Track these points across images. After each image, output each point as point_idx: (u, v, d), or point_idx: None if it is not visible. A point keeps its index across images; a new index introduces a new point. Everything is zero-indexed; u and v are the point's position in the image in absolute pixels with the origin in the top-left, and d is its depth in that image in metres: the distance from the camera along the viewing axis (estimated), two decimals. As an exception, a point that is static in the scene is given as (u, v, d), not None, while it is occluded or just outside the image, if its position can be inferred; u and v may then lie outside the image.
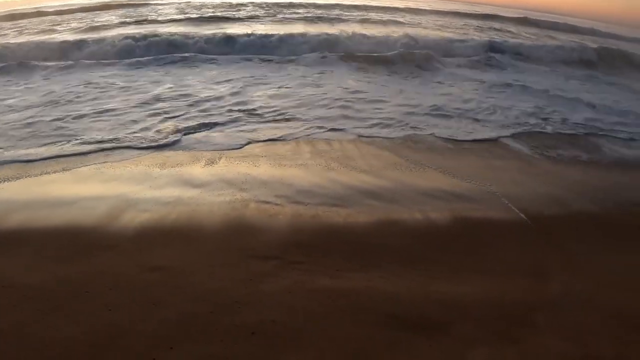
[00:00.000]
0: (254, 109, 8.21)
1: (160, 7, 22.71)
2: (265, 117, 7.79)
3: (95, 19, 18.56)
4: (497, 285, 3.71)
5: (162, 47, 12.76)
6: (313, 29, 16.73)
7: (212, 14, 19.97)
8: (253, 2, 24.59)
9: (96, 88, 9.32)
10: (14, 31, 15.92)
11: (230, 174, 5.41)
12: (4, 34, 15.26)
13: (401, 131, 7.51)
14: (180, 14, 20.32)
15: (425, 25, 22.60)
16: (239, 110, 8.08)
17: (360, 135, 7.16)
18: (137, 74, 10.66)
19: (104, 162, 5.69)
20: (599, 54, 16.37)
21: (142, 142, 6.43)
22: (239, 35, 14.24)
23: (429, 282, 3.66)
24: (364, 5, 27.55)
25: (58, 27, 16.53)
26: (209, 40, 13.44)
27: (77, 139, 6.50)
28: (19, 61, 10.90)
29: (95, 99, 8.58)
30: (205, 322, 3.06)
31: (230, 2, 24.35)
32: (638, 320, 3.41)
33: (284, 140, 6.79)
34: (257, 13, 21.39)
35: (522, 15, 31.85)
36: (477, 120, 8.51)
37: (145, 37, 13.31)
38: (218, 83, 10.08)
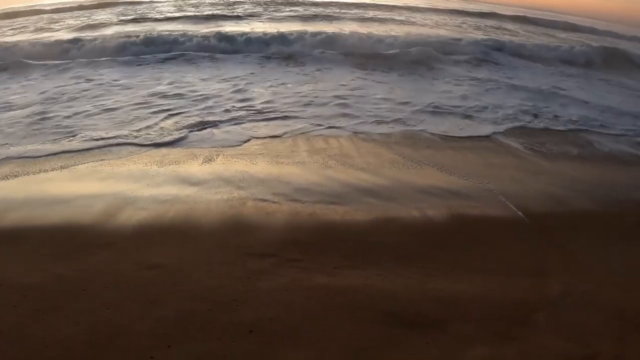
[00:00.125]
0: (253, 107, 8.21)
1: (157, 4, 22.64)
2: (264, 115, 7.78)
3: (93, 17, 18.52)
4: (496, 283, 3.71)
5: (161, 45, 12.72)
6: (312, 28, 16.68)
7: (210, 12, 19.93)
8: (251, 0, 24.54)
9: (96, 86, 9.28)
10: (12, 29, 15.87)
11: (228, 172, 5.41)
12: (2, 33, 15.20)
13: (398, 128, 7.52)
14: (178, 11, 20.28)
15: (423, 23, 22.62)
16: (239, 108, 8.07)
17: (357, 133, 7.16)
18: (136, 72, 10.63)
19: (104, 160, 5.68)
20: (598, 53, 16.34)
21: (143, 140, 6.42)
22: (237, 33, 14.20)
23: (427, 279, 3.67)
24: (362, 3, 27.51)
25: (56, 26, 16.48)
26: (208, 38, 13.39)
27: (78, 136, 6.48)
28: (17, 60, 10.85)
29: (95, 97, 8.55)
30: (203, 320, 3.06)
31: (227, 0, 24.31)
32: (637, 319, 3.41)
33: (282, 137, 6.78)
34: (255, 11, 21.36)
35: (520, 14, 31.86)
36: (473, 117, 8.53)
37: (144, 35, 13.27)
38: (217, 81, 10.05)
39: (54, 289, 3.30)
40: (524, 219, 4.79)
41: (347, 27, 18.09)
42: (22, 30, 15.69)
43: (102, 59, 11.51)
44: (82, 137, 6.48)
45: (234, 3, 23.69)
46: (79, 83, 9.56)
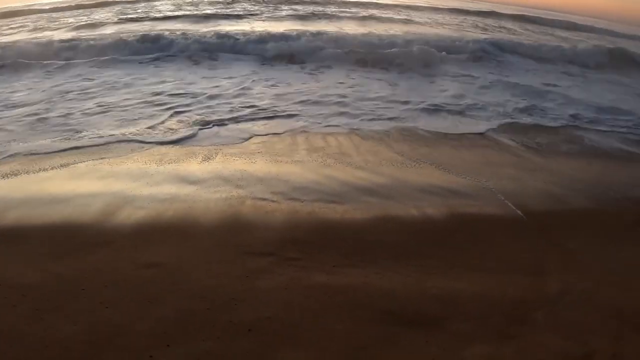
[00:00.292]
0: (254, 105, 8.23)
1: (156, 3, 22.62)
2: (265, 113, 7.80)
3: (92, 16, 18.49)
4: (495, 282, 3.72)
5: (162, 43, 12.70)
6: (312, 27, 16.70)
7: (209, 11, 19.91)
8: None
9: (98, 85, 9.29)
10: (10, 29, 15.85)
11: (227, 171, 5.41)
12: (1, 32, 15.18)
13: (397, 127, 7.54)
14: (178, 10, 20.27)
15: (422, 22, 22.60)
16: (240, 107, 8.09)
17: (356, 131, 7.18)
18: (137, 71, 10.63)
19: (105, 158, 5.68)
20: (597, 52, 16.33)
21: (144, 138, 6.43)
22: (237, 32, 14.21)
23: (426, 278, 3.68)
24: (361, 1, 27.49)
25: (56, 25, 16.46)
26: (209, 37, 13.39)
27: (80, 134, 6.50)
28: (17, 59, 10.83)
29: (97, 95, 8.56)
30: (202, 319, 3.07)
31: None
32: (636, 317, 3.41)
33: (282, 136, 6.79)
34: (254, 10, 21.35)
35: (520, 13, 31.83)
36: (471, 115, 8.56)
37: (144, 34, 13.26)
38: (218, 80, 10.07)
39: (53, 288, 3.30)
40: (522, 218, 4.80)
41: (346, 26, 18.11)
42: (22, 29, 15.67)
43: (102, 57, 11.49)
44: (84, 134, 6.50)
45: (233, 1, 23.65)
46: (80, 82, 9.55)
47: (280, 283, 3.47)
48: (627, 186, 5.90)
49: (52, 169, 5.37)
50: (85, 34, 14.14)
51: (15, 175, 5.18)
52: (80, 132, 6.61)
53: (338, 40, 13.92)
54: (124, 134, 6.53)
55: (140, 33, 13.47)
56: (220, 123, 7.21)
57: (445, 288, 3.56)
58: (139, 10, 20.18)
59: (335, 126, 7.38)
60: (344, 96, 9.18)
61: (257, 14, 20.23)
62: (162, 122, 7.15)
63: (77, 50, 11.90)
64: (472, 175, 5.74)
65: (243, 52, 12.72)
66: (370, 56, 12.86)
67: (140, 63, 11.40)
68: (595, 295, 3.64)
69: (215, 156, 5.86)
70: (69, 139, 6.35)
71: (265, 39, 13.42)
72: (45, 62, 10.91)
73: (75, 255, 3.70)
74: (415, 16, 24.55)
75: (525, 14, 31.69)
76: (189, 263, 3.66)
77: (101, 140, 6.30)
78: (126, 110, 7.70)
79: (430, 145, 6.84)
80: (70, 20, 17.62)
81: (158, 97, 8.51)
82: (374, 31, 16.96)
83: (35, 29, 15.57)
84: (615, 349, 3.07)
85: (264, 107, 8.17)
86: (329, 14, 21.59)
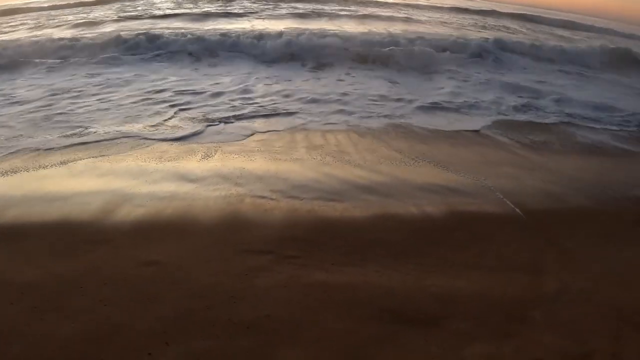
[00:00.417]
0: (255, 103, 8.27)
1: (155, 0, 22.59)
2: (265, 111, 7.83)
3: (92, 14, 18.47)
4: (494, 280, 3.72)
5: (162, 42, 12.69)
6: (312, 25, 16.70)
7: (209, 10, 19.88)
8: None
9: (99, 83, 9.30)
10: (11, 27, 15.82)
11: (227, 168, 5.40)
12: (1, 31, 15.15)
13: (396, 125, 7.56)
14: (177, 8, 20.24)
15: (422, 20, 22.58)
16: (242, 105, 8.12)
17: (355, 130, 7.19)
18: (138, 69, 10.61)
19: (105, 156, 5.67)
20: (596, 51, 16.32)
21: (145, 135, 6.44)
22: (238, 31, 14.20)
23: (425, 276, 3.67)
24: (361, 0, 27.46)
25: (56, 23, 16.44)
26: (209, 35, 13.37)
27: (85, 131, 6.52)
28: (18, 57, 10.80)
29: (99, 93, 8.58)
30: (201, 318, 3.06)
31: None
32: (634, 316, 3.41)
33: (282, 133, 6.80)
34: (254, 8, 21.32)
35: (520, 12, 31.81)
36: (469, 113, 8.63)
37: (145, 32, 13.24)
38: (220, 78, 10.10)
39: (52, 286, 3.30)
40: (521, 216, 4.80)
41: (346, 25, 18.12)
42: (22, 27, 15.64)
43: (102, 56, 11.46)
44: (88, 132, 6.51)
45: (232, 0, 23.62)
46: (82, 79, 9.56)
47: (279, 281, 3.47)
48: (626, 185, 5.90)
49: (53, 166, 5.37)
50: (85, 31, 14.12)
51: (15, 172, 5.17)
52: (84, 129, 6.61)
53: (338, 38, 13.91)
54: (127, 132, 6.54)
55: (141, 31, 13.45)
56: (223, 121, 7.23)
57: (445, 286, 3.56)
58: (139, 8, 20.17)
59: (335, 124, 7.38)
60: (343, 94, 9.20)
61: (257, 12, 20.22)
62: (167, 120, 7.17)
63: (78, 48, 11.87)
64: (470, 173, 5.74)
65: (244, 51, 12.70)
66: (370, 54, 12.89)
67: (141, 61, 11.40)
68: (594, 294, 3.64)
69: (215, 154, 5.86)
70: (72, 135, 6.35)
71: (265, 37, 13.41)
72: (45, 60, 10.88)
73: (74, 254, 3.69)
74: (415, 14, 24.56)
75: (525, 12, 31.65)
76: (188, 261, 3.66)
77: (106, 137, 6.31)
78: (129, 107, 7.71)
79: (429, 143, 6.84)
80: (70, 17, 17.60)
81: (160, 94, 8.52)
82: (374, 29, 16.98)
83: (35, 27, 15.54)
84: (615, 349, 3.08)
85: (265, 105, 8.18)
86: (328, 13, 21.57)
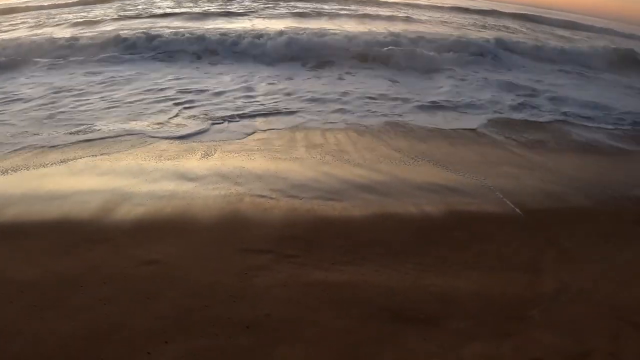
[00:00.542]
0: (255, 102, 8.30)
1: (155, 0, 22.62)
2: (266, 110, 7.85)
3: (92, 13, 18.45)
4: (493, 280, 3.72)
5: (163, 41, 12.67)
6: (312, 25, 16.69)
7: (210, 10, 19.87)
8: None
9: (102, 81, 9.34)
10: (11, 26, 15.81)
11: (226, 167, 5.40)
12: (2, 30, 15.13)
13: (395, 124, 7.58)
14: (178, 7, 20.23)
15: (423, 20, 22.57)
16: (242, 104, 8.14)
17: (355, 128, 7.21)
18: (140, 68, 10.63)
19: (104, 154, 5.67)
20: (600, 52, 16.31)
21: (146, 133, 6.48)
22: (238, 30, 14.21)
23: (424, 275, 3.68)
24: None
25: (56, 22, 16.42)
26: (210, 35, 13.35)
27: (89, 130, 6.56)
28: (17, 57, 10.79)
29: (102, 91, 8.62)
30: (200, 316, 3.07)
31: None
32: (633, 315, 3.42)
33: (282, 132, 6.81)
34: (254, 7, 21.33)
35: (521, 12, 31.79)
36: (468, 112, 8.67)
37: (146, 31, 13.25)
38: (221, 77, 10.15)
39: (51, 284, 3.30)
40: (520, 216, 4.80)
41: (346, 24, 18.12)
42: (22, 26, 15.62)
43: (103, 55, 11.47)
44: (92, 130, 6.56)
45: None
46: (84, 78, 9.60)
47: (278, 280, 3.48)
48: (625, 185, 5.90)
49: (56, 164, 5.37)
50: (85, 30, 14.12)
51: (16, 170, 5.16)
52: (87, 127, 6.65)
53: (338, 38, 13.91)
54: (132, 129, 6.59)
55: (141, 30, 13.46)
56: (227, 119, 7.26)
57: (444, 286, 3.57)
58: (139, 7, 20.15)
59: (334, 123, 7.40)
60: (343, 93, 9.23)
61: (257, 11, 20.20)
62: (171, 118, 7.23)
63: (78, 47, 11.85)
64: (469, 172, 5.75)
65: (244, 50, 12.69)
66: (370, 54, 12.90)
67: (141, 60, 11.42)
68: (593, 294, 3.65)
69: (215, 152, 5.86)
70: (76, 133, 6.39)
71: (266, 36, 13.39)
72: (46, 59, 10.88)
73: (73, 252, 3.70)
74: (415, 14, 24.53)
75: (525, 12, 31.64)
76: (188, 260, 3.66)
77: (109, 134, 6.36)
78: (132, 105, 7.76)
79: (428, 142, 6.86)
80: (70, 16, 17.59)
81: (162, 93, 8.58)
82: (374, 29, 16.97)
83: (35, 26, 15.52)
84: (614, 348, 3.08)
85: (266, 104, 8.21)
86: (329, 12, 21.55)
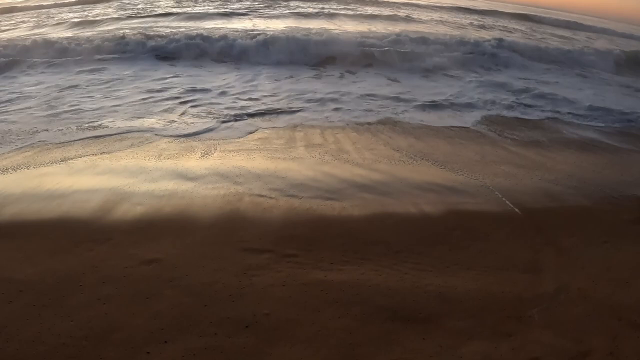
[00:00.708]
0: (256, 100, 8.40)
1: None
2: (266, 110, 7.88)
3: (93, 12, 18.46)
4: (492, 279, 3.72)
5: (164, 41, 12.65)
6: (313, 25, 16.73)
7: (210, 9, 19.89)
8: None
9: (104, 81, 9.37)
10: (12, 25, 15.80)
11: (225, 167, 5.40)
12: (2, 30, 15.13)
13: (394, 124, 7.62)
14: (178, 7, 20.25)
15: (423, 20, 22.58)
16: (243, 103, 8.19)
17: (354, 127, 7.23)
18: (142, 68, 10.67)
19: (104, 153, 5.67)
20: (600, 53, 16.33)
21: (160, 131, 6.53)
22: (239, 30, 14.27)
23: (423, 275, 3.68)
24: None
25: (56, 21, 16.40)
26: (212, 35, 13.35)
27: (94, 128, 6.60)
28: (19, 56, 10.78)
29: (105, 90, 8.66)
30: (199, 316, 3.07)
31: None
32: (632, 315, 3.42)
33: (282, 132, 6.82)
34: (255, 7, 21.36)
35: (522, 12, 31.81)
36: (468, 112, 8.72)
37: (146, 31, 13.27)
38: (222, 77, 10.19)
39: (50, 284, 3.30)
40: (519, 215, 4.80)
41: (347, 25, 18.15)
42: (23, 26, 15.61)
43: (104, 55, 11.47)
44: (96, 128, 6.59)
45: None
46: (87, 77, 9.65)
47: (277, 280, 3.48)
48: (624, 184, 5.90)
49: (62, 162, 5.38)
50: (87, 30, 14.14)
51: (15, 169, 5.16)
52: (93, 125, 6.68)
53: (339, 38, 13.94)
54: (138, 127, 6.64)
55: (142, 29, 13.48)
56: (228, 118, 7.29)
57: (443, 285, 3.57)
58: (139, 6, 20.16)
59: (334, 122, 7.43)
60: (343, 93, 9.27)
61: (258, 11, 20.22)
62: (177, 117, 7.28)
63: (79, 46, 11.81)
64: (468, 171, 5.76)
65: (246, 49, 12.68)
66: (370, 54, 12.92)
67: (145, 59, 11.43)
68: (592, 293, 3.65)
69: (214, 151, 5.86)
70: (81, 132, 6.42)
71: (267, 36, 13.39)
72: (48, 59, 10.87)
73: (73, 251, 3.69)
74: (415, 14, 24.55)
75: (526, 12, 31.66)
76: (187, 259, 3.66)
77: (115, 132, 6.41)
78: (136, 104, 7.80)
79: (428, 141, 6.87)
80: (71, 15, 17.59)
81: (166, 92, 8.64)
82: (374, 29, 17.00)
83: (37, 26, 15.51)
84: (612, 348, 3.08)
85: (267, 103, 8.25)
86: (329, 12, 21.57)
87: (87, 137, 6.19)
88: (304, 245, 3.93)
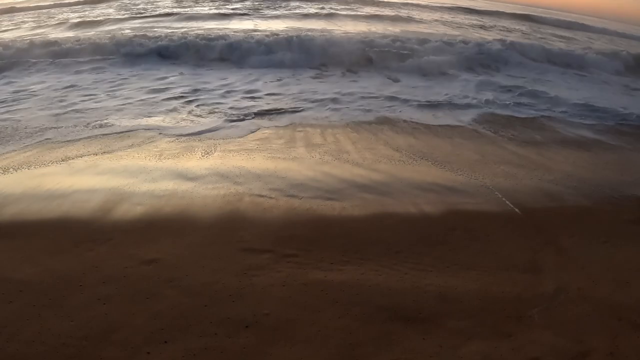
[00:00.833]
0: (259, 99, 8.48)
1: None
2: (267, 109, 7.92)
3: (93, 13, 18.47)
4: (492, 279, 3.72)
5: (167, 41, 12.66)
6: (314, 25, 16.74)
7: (212, 10, 19.90)
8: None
9: (108, 80, 9.42)
10: (14, 25, 15.82)
11: (226, 167, 5.40)
12: (3, 29, 15.14)
13: (395, 124, 7.63)
14: (180, 7, 20.27)
15: (424, 20, 22.59)
16: (244, 103, 8.23)
17: (355, 127, 7.24)
18: (143, 68, 10.72)
19: (105, 153, 5.67)
20: (599, 53, 16.34)
21: (161, 131, 6.57)
22: (241, 30, 14.31)
23: (423, 275, 3.68)
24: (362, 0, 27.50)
25: (57, 22, 16.41)
26: (213, 35, 13.35)
27: (100, 127, 6.65)
28: (21, 57, 10.79)
29: (109, 90, 8.72)
30: (200, 316, 3.07)
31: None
32: (632, 315, 3.42)
33: (282, 132, 6.83)
34: (256, 7, 21.39)
35: (524, 12, 31.80)
36: (467, 112, 8.74)
37: (147, 32, 13.31)
38: (224, 77, 10.21)
39: (50, 284, 3.30)
40: (519, 215, 4.80)
41: (347, 25, 18.17)
42: (23, 26, 15.62)
43: (106, 55, 11.49)
44: (102, 127, 6.64)
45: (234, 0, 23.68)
46: (90, 76, 9.73)
47: (277, 280, 3.48)
48: (624, 184, 5.90)
49: (63, 161, 5.38)
50: (88, 31, 14.17)
51: (16, 169, 5.16)
52: (99, 125, 6.72)
53: (340, 39, 13.95)
54: (143, 126, 6.70)
55: (144, 30, 13.49)
56: (230, 118, 7.32)
57: (443, 285, 3.57)
58: (140, 7, 20.17)
59: (334, 122, 7.44)
60: (343, 93, 9.28)
61: (259, 12, 20.24)
62: (180, 116, 7.32)
63: (81, 46, 11.83)
64: (468, 171, 5.77)
65: (247, 50, 12.68)
66: (370, 54, 12.94)
67: (147, 60, 11.47)
68: (592, 293, 3.64)
69: (215, 151, 5.87)
70: (85, 131, 6.46)
71: (268, 37, 13.41)
72: (50, 59, 10.90)
73: (73, 251, 3.70)
74: (416, 14, 24.55)
75: (527, 13, 31.65)
76: (187, 259, 3.66)
77: (118, 131, 6.46)
78: (140, 104, 7.84)
79: (428, 141, 6.88)
80: (72, 15, 17.61)
81: (169, 92, 8.70)
82: (374, 30, 17.00)
83: (38, 26, 15.53)
84: (612, 348, 3.08)
85: (269, 103, 8.30)
86: (330, 13, 21.58)
87: (90, 137, 6.22)
88: (304, 246, 3.94)
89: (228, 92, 8.94)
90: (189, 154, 5.77)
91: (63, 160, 5.43)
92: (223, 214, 4.37)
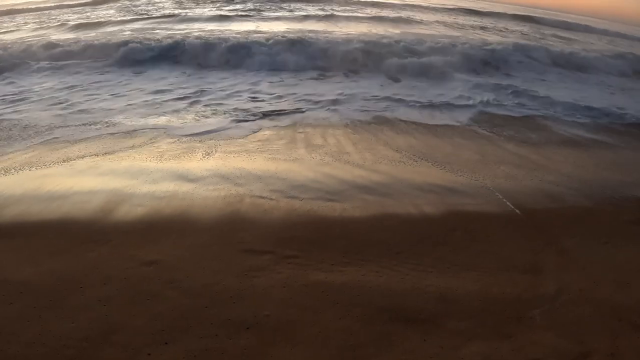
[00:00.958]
0: (261, 100, 8.51)
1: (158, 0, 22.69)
2: (269, 111, 7.94)
3: (94, 14, 18.50)
4: (492, 280, 3.72)
5: (168, 43, 12.66)
6: (316, 27, 16.75)
7: (213, 12, 19.92)
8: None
9: (109, 80, 9.47)
10: (15, 26, 15.84)
11: (226, 168, 5.41)
12: (4, 30, 15.16)
13: (395, 124, 7.64)
14: (181, 8, 20.30)
15: (424, 21, 22.59)
16: (245, 104, 8.27)
17: (355, 128, 7.25)
18: (145, 69, 10.75)
19: (105, 153, 5.68)
20: (594, 53, 16.33)
21: (166, 131, 6.60)
22: (241, 32, 14.31)
23: (423, 276, 3.68)
24: (362, 0, 27.49)
25: (58, 23, 16.44)
26: (214, 37, 13.36)
27: (101, 127, 6.68)
28: (22, 59, 10.80)
29: (109, 90, 8.75)
30: (200, 317, 3.07)
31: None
32: (633, 316, 3.41)
33: (283, 133, 6.84)
34: (257, 8, 21.42)
35: (525, 13, 31.79)
36: (467, 111, 8.78)
37: (149, 33, 13.34)
38: (225, 79, 10.26)
39: (50, 285, 3.30)
40: (519, 215, 4.80)
41: (347, 27, 18.15)
42: (24, 27, 15.65)
43: (107, 56, 11.48)
44: (104, 127, 6.68)
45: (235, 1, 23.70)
46: (93, 77, 9.76)
47: (278, 281, 3.48)
48: (625, 185, 5.89)
49: (65, 162, 5.39)
50: (89, 32, 14.20)
51: (17, 170, 5.17)
52: (100, 125, 6.75)
53: (341, 40, 13.97)
54: (146, 126, 6.74)
55: (146, 32, 13.51)
56: (232, 119, 7.35)
57: (443, 286, 3.56)
58: (141, 8, 20.20)
59: (335, 123, 7.44)
60: (344, 95, 9.30)
61: (260, 13, 20.25)
62: (182, 117, 7.35)
63: (82, 48, 11.85)
64: (468, 172, 5.77)
65: (249, 52, 12.69)
66: (371, 55, 12.92)
67: (147, 61, 11.47)
68: (593, 294, 3.64)
69: (216, 152, 5.87)
70: (87, 130, 6.49)
71: (269, 39, 13.41)
72: (52, 61, 10.90)
73: (73, 252, 3.70)
74: (418, 16, 24.54)
75: (527, 14, 31.64)
76: (187, 261, 3.66)
77: (125, 129, 6.51)
78: (142, 105, 7.87)
79: (428, 142, 6.89)
80: (73, 17, 17.63)
81: (170, 93, 8.72)
82: (375, 31, 17.01)
83: (39, 27, 15.55)
84: (613, 349, 3.07)
85: (271, 104, 8.33)
86: (330, 14, 21.59)
87: (92, 137, 6.24)
88: (304, 247, 3.94)
89: (231, 93, 8.98)
90: (190, 155, 5.78)
91: (64, 161, 5.44)
92: (224, 215, 4.38)
